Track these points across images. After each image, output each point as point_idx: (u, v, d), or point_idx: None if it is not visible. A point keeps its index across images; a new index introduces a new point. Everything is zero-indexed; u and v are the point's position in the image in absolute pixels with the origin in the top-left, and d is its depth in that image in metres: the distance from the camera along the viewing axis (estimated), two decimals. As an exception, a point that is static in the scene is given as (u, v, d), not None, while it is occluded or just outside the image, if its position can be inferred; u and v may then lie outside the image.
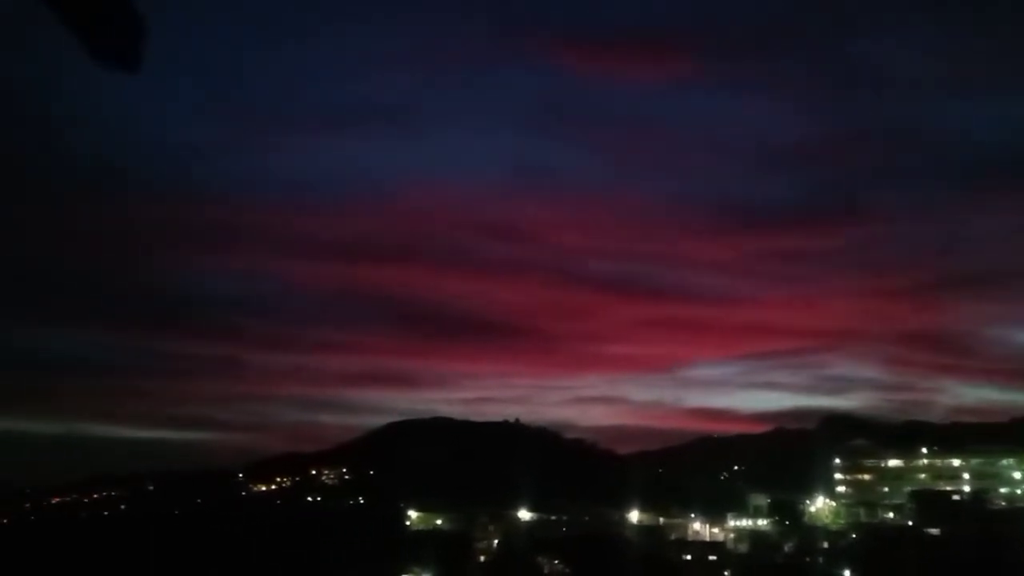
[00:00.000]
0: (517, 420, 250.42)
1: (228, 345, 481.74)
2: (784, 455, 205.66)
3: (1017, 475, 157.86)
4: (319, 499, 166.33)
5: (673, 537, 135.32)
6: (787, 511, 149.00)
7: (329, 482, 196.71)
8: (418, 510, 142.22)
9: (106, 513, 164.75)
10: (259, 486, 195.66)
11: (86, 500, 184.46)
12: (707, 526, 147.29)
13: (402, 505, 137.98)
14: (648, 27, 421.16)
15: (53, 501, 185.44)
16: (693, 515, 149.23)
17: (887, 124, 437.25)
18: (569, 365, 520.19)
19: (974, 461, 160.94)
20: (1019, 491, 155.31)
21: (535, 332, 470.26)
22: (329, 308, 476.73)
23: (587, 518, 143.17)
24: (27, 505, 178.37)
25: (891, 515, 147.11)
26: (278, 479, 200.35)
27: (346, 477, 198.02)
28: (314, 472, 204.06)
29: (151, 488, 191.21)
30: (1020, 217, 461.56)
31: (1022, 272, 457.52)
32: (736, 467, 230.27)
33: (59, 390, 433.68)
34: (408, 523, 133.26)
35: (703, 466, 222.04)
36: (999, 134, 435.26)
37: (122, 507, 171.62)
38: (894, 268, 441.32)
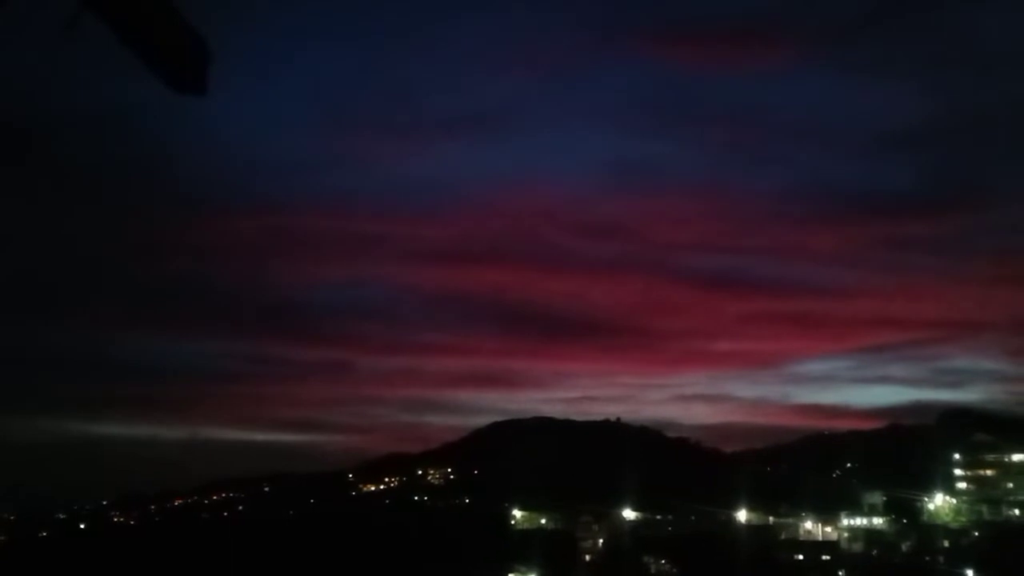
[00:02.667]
0: (618, 419, 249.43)
1: (338, 350, 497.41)
2: (900, 451, 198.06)
3: None
4: (425, 498, 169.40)
5: (784, 537, 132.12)
6: (904, 509, 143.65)
7: (435, 482, 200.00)
8: (522, 509, 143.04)
9: (225, 514, 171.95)
10: (368, 486, 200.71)
11: (206, 502, 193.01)
12: (819, 525, 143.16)
13: (506, 504, 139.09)
14: (748, 15, 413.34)
15: (176, 503, 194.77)
16: (804, 514, 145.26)
17: (1007, 103, 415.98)
18: (671, 363, 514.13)
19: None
20: None
21: (636, 330, 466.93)
22: (433, 311, 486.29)
23: (693, 517, 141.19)
24: (152, 507, 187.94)
25: (1016, 512, 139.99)
26: (386, 479, 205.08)
27: (451, 477, 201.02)
28: (420, 472, 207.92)
29: (267, 489, 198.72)
30: None
31: None
32: (849, 464, 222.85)
33: (181, 397, 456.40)
34: (513, 522, 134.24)
35: (814, 464, 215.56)
36: None
37: (240, 508, 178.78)
38: (1015, 253, 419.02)
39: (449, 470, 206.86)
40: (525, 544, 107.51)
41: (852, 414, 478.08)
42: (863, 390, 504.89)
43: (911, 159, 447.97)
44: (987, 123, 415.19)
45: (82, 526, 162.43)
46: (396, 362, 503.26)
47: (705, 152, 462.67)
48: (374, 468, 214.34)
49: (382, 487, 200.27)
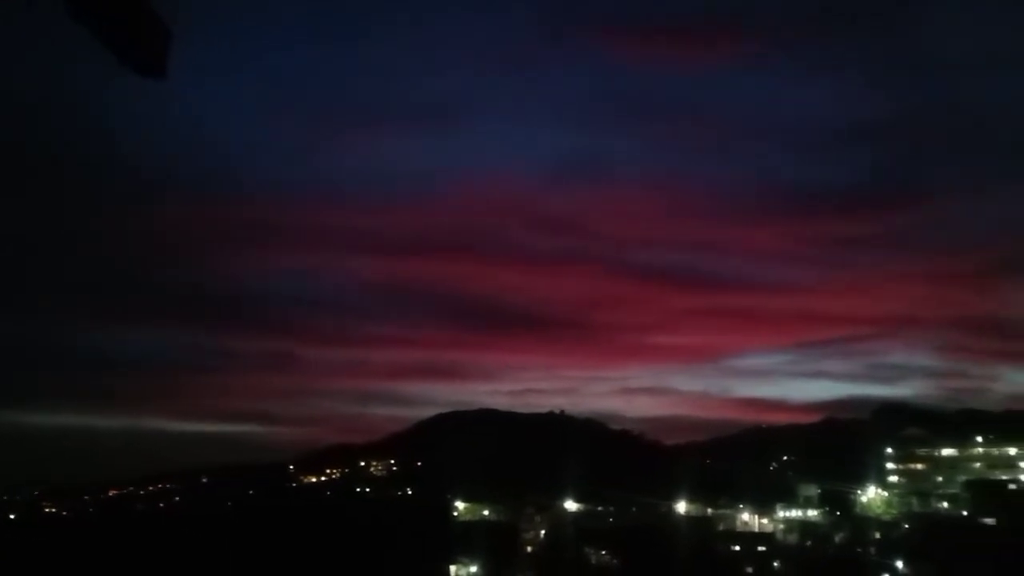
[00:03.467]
0: (563, 411, 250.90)
1: (282, 340, 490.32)
2: (835, 445, 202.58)
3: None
4: (368, 490, 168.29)
5: (722, 528, 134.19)
6: (838, 501, 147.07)
7: (378, 473, 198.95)
8: (465, 501, 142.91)
9: (161, 505, 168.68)
10: (309, 478, 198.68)
11: (142, 493, 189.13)
12: (756, 517, 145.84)
13: (449, 496, 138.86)
14: (697, 13, 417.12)
15: (111, 494, 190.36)
16: (742, 506, 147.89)
17: (944, 104, 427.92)
18: (616, 356, 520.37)
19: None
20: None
21: (582, 324, 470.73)
22: (381, 303, 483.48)
23: (634, 509, 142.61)
24: (86, 497, 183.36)
25: (945, 505, 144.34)
26: (328, 471, 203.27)
27: (394, 468, 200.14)
28: (363, 464, 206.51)
29: (205, 481, 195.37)
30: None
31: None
32: (786, 457, 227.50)
33: (118, 386, 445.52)
34: (455, 514, 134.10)
35: (752, 456, 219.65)
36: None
37: (176, 499, 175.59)
38: (949, 252, 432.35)
39: (392, 462, 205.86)
40: (467, 536, 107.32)
41: (790, 408, 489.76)
42: (801, 384, 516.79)
43: (854, 157, 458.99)
44: (928, 123, 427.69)
45: (11, 516, 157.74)
46: (341, 353, 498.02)
47: (654, 147, 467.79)
48: (316, 459, 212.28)
49: (323, 479, 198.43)
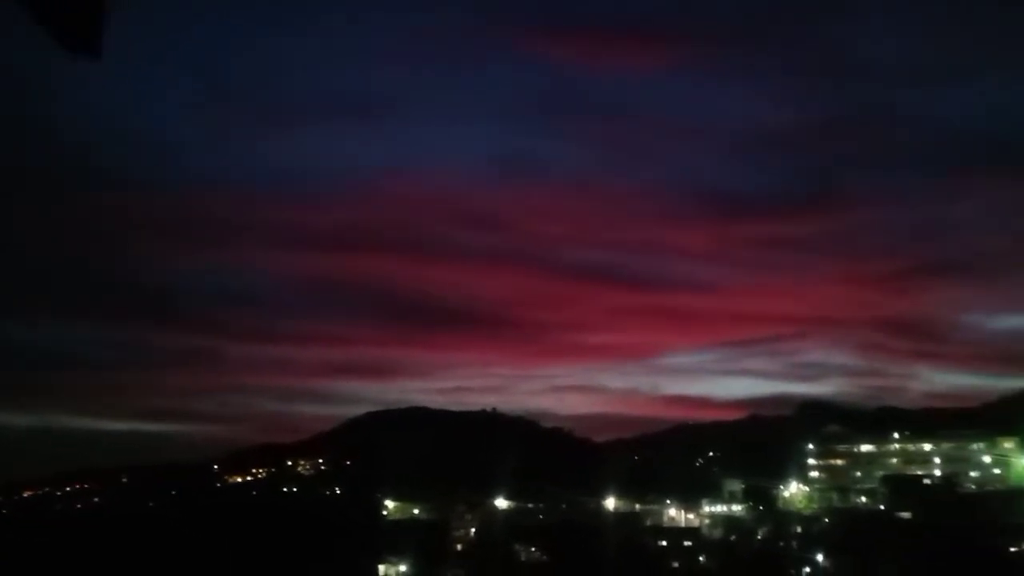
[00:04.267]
0: (494, 409, 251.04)
1: (208, 336, 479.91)
2: (759, 441, 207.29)
3: (987, 459, 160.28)
4: (295, 490, 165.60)
5: (649, 523, 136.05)
6: (761, 497, 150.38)
7: (305, 472, 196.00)
8: (395, 500, 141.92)
9: (79, 506, 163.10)
10: (234, 477, 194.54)
11: (59, 493, 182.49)
12: (683, 512, 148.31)
13: (379, 495, 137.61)
14: (629, 16, 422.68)
15: (25, 495, 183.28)
16: (669, 501, 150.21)
17: (865, 111, 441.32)
18: (548, 354, 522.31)
19: (945, 446, 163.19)
20: (988, 475, 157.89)
21: (514, 322, 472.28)
22: (310, 299, 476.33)
23: (564, 506, 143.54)
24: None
25: (863, 500, 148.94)
26: (253, 470, 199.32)
27: (322, 468, 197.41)
28: (290, 463, 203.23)
29: (125, 481, 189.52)
30: (994, 204, 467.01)
31: (995, 259, 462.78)
32: (711, 453, 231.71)
33: (35, 383, 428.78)
34: (385, 513, 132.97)
35: (679, 453, 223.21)
36: (976, 121, 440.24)
37: (95, 500, 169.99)
38: (870, 255, 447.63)
39: (321, 461, 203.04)
40: (397, 534, 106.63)
41: (716, 405, 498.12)
42: (727, 382, 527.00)
43: (775, 162, 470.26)
44: (849, 131, 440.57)
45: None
46: (269, 350, 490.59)
47: (585, 148, 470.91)
48: (242, 459, 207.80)
49: (249, 478, 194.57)
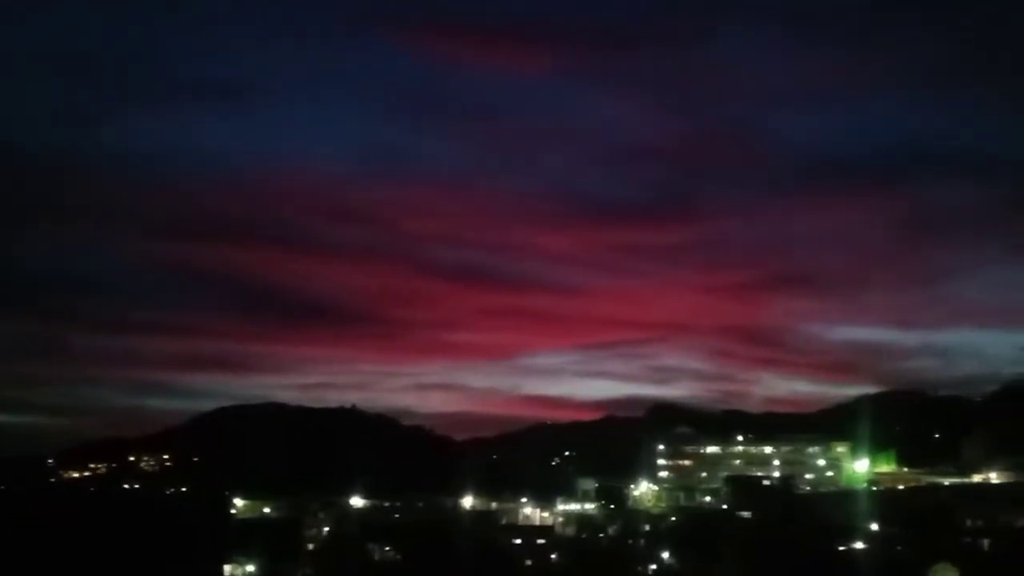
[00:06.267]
0: (354, 407, 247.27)
1: (52, 324, 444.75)
2: (613, 442, 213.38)
3: (821, 462, 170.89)
4: (137, 486, 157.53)
5: (504, 522, 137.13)
6: (612, 495, 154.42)
7: (149, 468, 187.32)
8: (245, 498, 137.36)
9: None
10: (71, 473, 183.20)
11: None
12: (537, 510, 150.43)
13: (228, 493, 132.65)
14: (509, 19, 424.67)
15: None
16: (525, 500, 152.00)
17: (727, 128, 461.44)
18: (411, 352, 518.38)
19: (784, 449, 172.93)
20: (822, 477, 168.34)
21: (378, 318, 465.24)
22: (164, 287, 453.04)
23: (421, 504, 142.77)
24: None
25: (708, 499, 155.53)
26: (92, 465, 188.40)
27: (168, 464, 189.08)
28: (134, 458, 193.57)
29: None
30: (838, 222, 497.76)
31: (835, 274, 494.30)
32: (568, 453, 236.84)
33: None
34: (233, 511, 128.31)
35: (536, 452, 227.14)
36: (824, 144, 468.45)
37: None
38: (724, 265, 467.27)
39: (167, 456, 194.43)
40: (246, 534, 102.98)
41: (574, 405, 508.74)
42: (585, 383, 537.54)
43: (640, 171, 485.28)
44: (710, 146, 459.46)
45: None
46: (115, 340, 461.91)
47: (458, 147, 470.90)
48: (81, 453, 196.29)
49: (87, 473, 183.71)
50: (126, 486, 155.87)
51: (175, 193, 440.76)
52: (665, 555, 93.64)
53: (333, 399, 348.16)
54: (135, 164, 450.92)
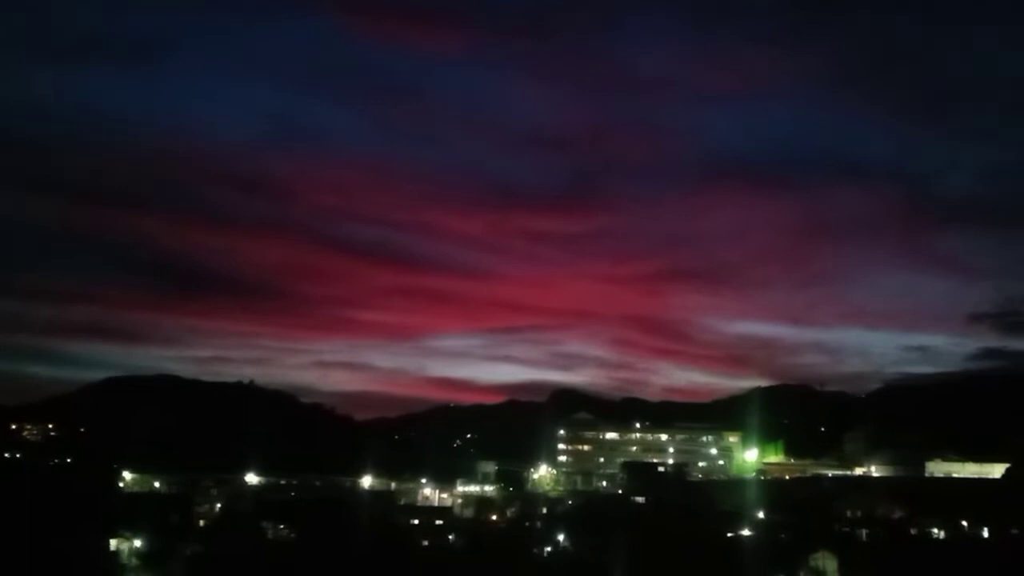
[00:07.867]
0: (252, 382, 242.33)
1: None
2: (515, 425, 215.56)
3: (714, 451, 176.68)
4: (17, 455, 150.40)
5: (403, 502, 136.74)
6: (512, 478, 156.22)
7: (32, 438, 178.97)
8: (134, 472, 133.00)
9: None
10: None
11: None
12: (437, 492, 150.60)
13: (116, 466, 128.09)
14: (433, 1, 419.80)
15: None
16: (425, 481, 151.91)
17: (637, 121, 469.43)
18: (314, 328, 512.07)
19: (679, 437, 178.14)
20: (714, 466, 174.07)
21: (280, 292, 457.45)
22: (50, 250, 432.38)
23: (318, 483, 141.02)
24: None
25: (604, 484, 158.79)
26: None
27: (52, 434, 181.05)
28: (14, 427, 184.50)
29: None
30: (737, 219, 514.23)
31: (733, 269, 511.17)
32: (470, 435, 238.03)
33: None
34: (122, 485, 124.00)
35: (439, 434, 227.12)
36: (732, 142, 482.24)
37: None
38: (628, 256, 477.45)
39: (51, 426, 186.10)
40: (134, 508, 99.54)
41: (478, 389, 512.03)
42: (490, 367, 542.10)
43: (552, 159, 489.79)
44: (619, 137, 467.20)
45: None
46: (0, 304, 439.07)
47: (370, 123, 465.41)
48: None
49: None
50: (6, 455, 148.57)
51: (68, 154, 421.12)
52: (561, 537, 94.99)
53: (230, 373, 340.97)
54: (25, 122, 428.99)
